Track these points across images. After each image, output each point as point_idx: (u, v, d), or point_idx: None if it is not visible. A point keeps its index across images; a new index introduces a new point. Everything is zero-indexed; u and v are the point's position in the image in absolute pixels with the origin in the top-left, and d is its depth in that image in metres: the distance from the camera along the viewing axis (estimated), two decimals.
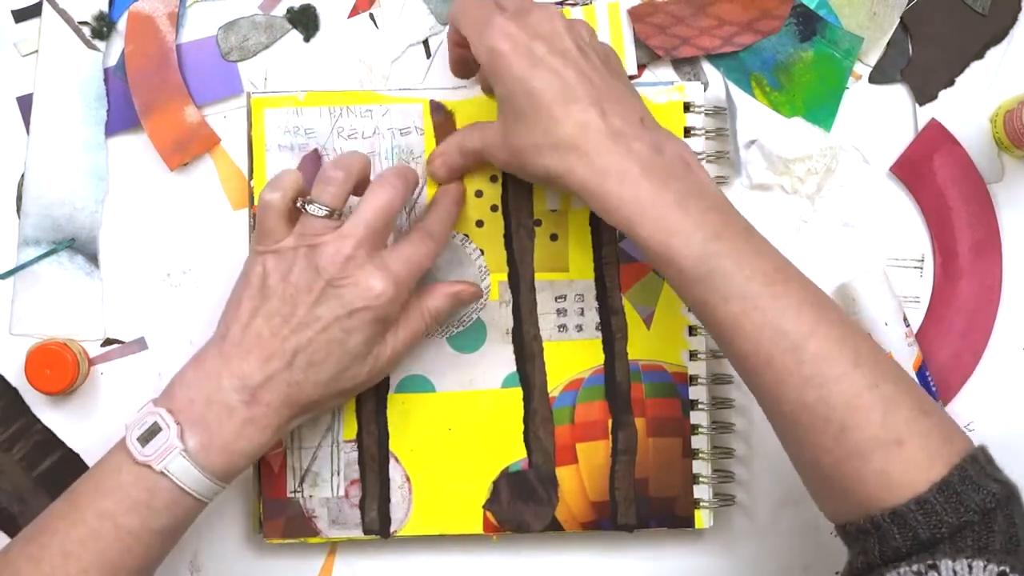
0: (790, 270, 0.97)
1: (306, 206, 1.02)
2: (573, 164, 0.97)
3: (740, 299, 0.94)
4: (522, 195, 1.13)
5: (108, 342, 1.16)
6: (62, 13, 1.15)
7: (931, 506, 0.90)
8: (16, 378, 1.16)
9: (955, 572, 0.87)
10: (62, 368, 1.12)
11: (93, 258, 1.16)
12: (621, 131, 0.97)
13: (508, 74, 0.98)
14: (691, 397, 1.14)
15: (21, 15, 1.16)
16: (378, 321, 1.02)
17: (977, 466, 0.93)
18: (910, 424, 0.93)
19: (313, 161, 1.13)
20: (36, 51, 1.16)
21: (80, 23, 1.15)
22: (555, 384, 1.14)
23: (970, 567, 0.87)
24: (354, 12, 1.16)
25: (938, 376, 1.16)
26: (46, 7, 1.15)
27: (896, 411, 0.93)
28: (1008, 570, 0.87)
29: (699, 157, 1.13)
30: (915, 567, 0.88)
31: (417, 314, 1.07)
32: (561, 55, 0.98)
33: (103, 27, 1.15)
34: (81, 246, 1.16)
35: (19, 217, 1.16)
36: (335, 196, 1.03)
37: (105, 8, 1.15)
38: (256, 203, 1.12)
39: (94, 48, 1.15)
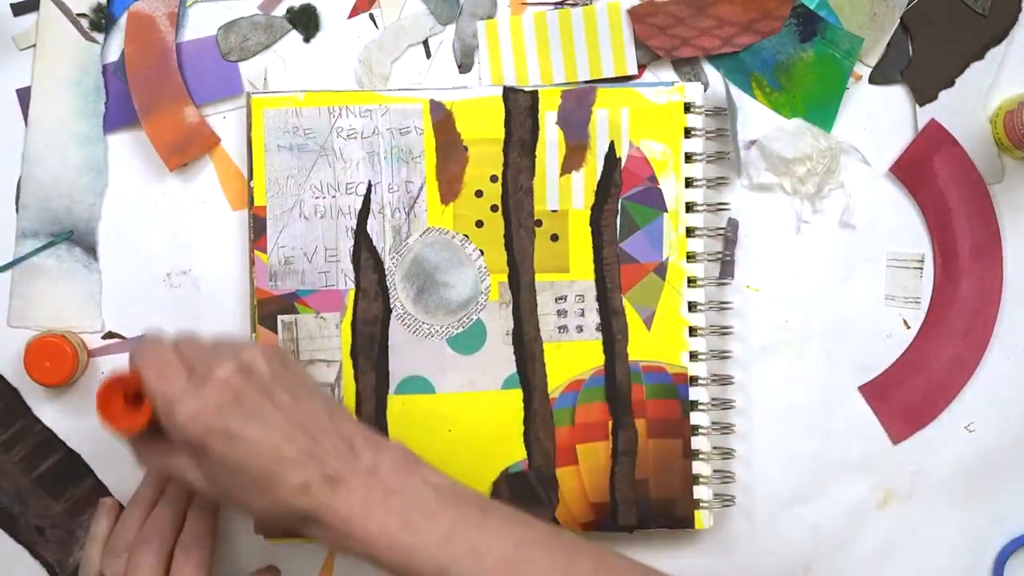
0: (531, 537, 0.96)
1: None
2: (308, 527, 0.96)
3: None
4: (522, 195, 1.13)
5: (109, 335, 1.16)
6: (60, 5, 1.15)
7: None
8: (15, 374, 1.16)
9: None
10: (61, 360, 1.12)
11: (91, 250, 1.16)
12: (337, 474, 0.95)
13: (211, 458, 0.96)
14: (691, 398, 1.14)
15: (19, 8, 1.16)
16: None
17: None
18: None
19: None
20: (34, 45, 1.15)
21: (78, 15, 1.15)
22: (555, 385, 1.14)
23: None
24: (354, 12, 1.16)
25: (938, 376, 1.16)
26: (44, 0, 1.15)
27: None
28: None
29: (699, 158, 1.13)
30: None
31: None
32: (259, 418, 0.96)
33: (101, 19, 1.15)
34: (79, 238, 1.16)
35: (17, 210, 1.16)
36: (123, 566, 1.07)
37: (103, 0, 1.15)
38: (255, 204, 1.13)
39: (92, 40, 1.15)
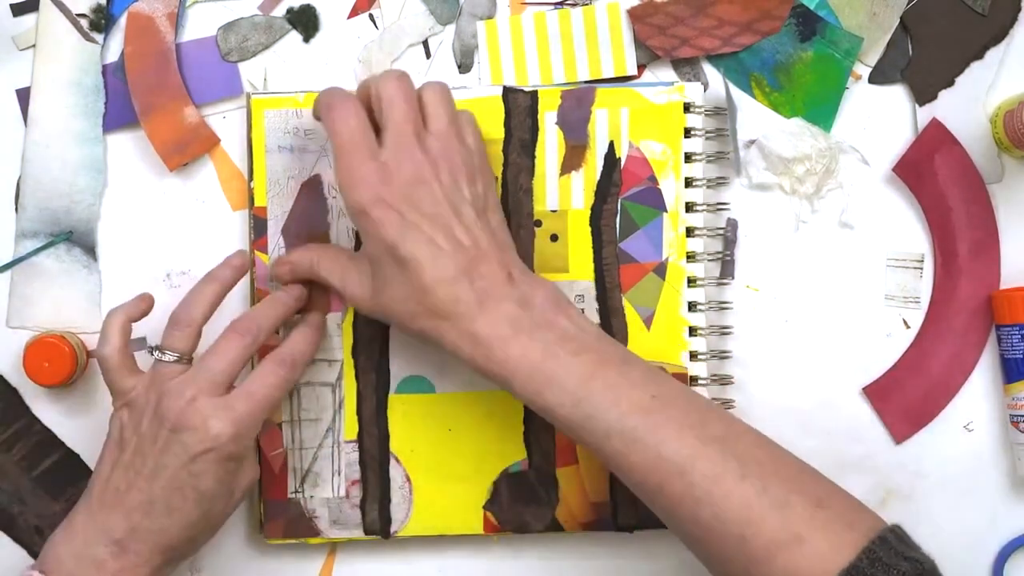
0: (668, 393, 1.00)
1: (155, 352, 1.05)
2: (445, 331, 1.00)
3: (620, 435, 0.97)
4: (522, 195, 1.13)
5: None
6: (60, 5, 1.15)
7: None
8: (15, 374, 1.16)
9: None
10: (60, 361, 1.12)
11: (91, 251, 1.16)
12: (489, 294, 1.00)
13: (377, 237, 1.00)
14: None
15: (19, 8, 1.16)
16: (225, 460, 1.02)
17: (887, 547, 0.94)
18: (807, 520, 0.95)
19: (314, 187, 1.13)
20: (34, 45, 1.15)
21: (78, 15, 1.15)
22: None
23: None
24: (354, 12, 1.16)
25: (938, 376, 1.16)
26: (44, 0, 1.15)
27: (790, 510, 0.95)
28: None
29: (699, 158, 1.13)
30: None
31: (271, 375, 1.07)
32: (431, 218, 1.00)
33: (101, 19, 1.15)
34: (79, 239, 1.16)
35: (17, 210, 1.16)
36: (184, 341, 1.05)
37: (103, 0, 1.15)
38: (255, 204, 1.13)
39: (92, 40, 1.15)
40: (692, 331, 1.14)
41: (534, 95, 1.13)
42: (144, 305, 1.08)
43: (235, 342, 1.05)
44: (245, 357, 1.05)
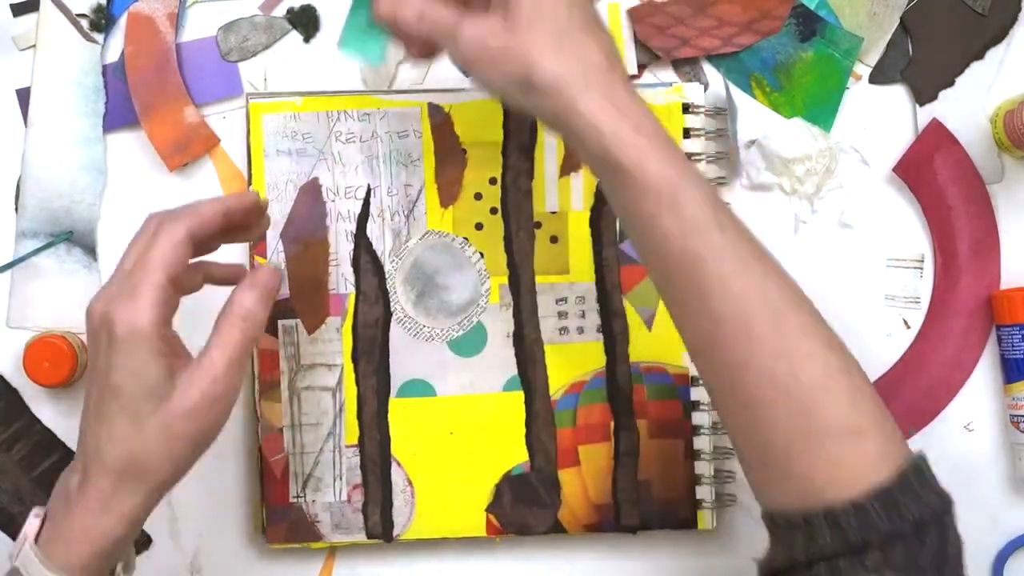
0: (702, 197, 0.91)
1: None
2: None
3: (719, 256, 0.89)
4: (522, 197, 1.13)
5: None
6: (60, 6, 1.15)
7: (868, 512, 0.85)
8: (15, 374, 1.16)
9: None
10: (61, 360, 1.12)
11: (91, 251, 1.16)
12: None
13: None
14: (692, 398, 1.14)
15: (19, 8, 1.16)
16: (132, 349, 0.91)
17: (920, 475, 0.88)
18: (874, 416, 0.89)
19: (313, 191, 1.14)
20: (34, 45, 1.15)
21: (78, 15, 1.15)
22: (557, 387, 1.14)
23: None
24: None
25: (938, 376, 1.16)
26: (44, 0, 1.15)
27: (863, 401, 0.89)
28: None
29: (698, 158, 1.13)
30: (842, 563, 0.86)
31: (227, 326, 0.95)
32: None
33: (101, 19, 1.15)
34: (79, 239, 1.16)
35: (17, 210, 1.16)
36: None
37: (103, 0, 1.15)
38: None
39: (92, 40, 1.15)
40: None
41: None
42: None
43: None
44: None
